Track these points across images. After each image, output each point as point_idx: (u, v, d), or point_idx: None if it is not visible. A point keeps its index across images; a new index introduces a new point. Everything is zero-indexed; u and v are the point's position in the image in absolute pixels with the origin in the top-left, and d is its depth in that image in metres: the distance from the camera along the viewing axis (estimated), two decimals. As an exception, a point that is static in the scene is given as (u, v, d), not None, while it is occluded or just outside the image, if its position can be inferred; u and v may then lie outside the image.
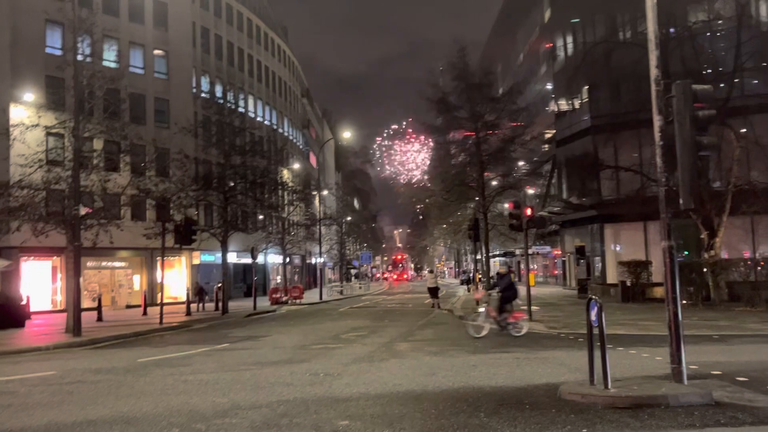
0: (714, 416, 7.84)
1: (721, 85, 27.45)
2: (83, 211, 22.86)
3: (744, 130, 28.66)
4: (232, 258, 45.74)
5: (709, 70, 29.13)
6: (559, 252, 53.01)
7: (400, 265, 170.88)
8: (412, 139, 77.02)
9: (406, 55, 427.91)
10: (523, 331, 17.87)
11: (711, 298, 26.63)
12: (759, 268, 26.25)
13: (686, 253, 32.37)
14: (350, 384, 10.76)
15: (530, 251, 25.04)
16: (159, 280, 34.08)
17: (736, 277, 26.79)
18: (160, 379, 12.09)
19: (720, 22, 30.94)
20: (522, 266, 49.39)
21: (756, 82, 30.77)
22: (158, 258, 32.42)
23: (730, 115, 25.81)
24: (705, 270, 27.32)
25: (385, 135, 77.02)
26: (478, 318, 18.42)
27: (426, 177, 66.70)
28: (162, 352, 16.67)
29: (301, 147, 76.23)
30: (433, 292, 33.38)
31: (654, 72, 9.89)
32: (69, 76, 24.41)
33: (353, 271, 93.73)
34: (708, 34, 31.59)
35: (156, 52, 45.31)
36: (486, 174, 43.43)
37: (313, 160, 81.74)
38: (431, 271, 39.34)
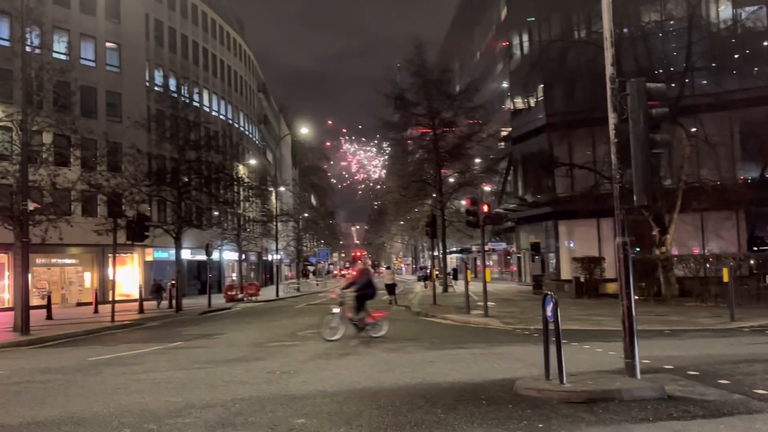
0: (667, 410, 7.96)
1: (672, 84, 27.99)
2: (32, 206, 22.30)
3: (694, 129, 29.30)
4: (186, 255, 45.07)
5: (661, 70, 29.69)
6: (514, 248, 53.59)
7: (359, 261, 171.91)
8: (364, 139, 77.23)
9: (361, 52, 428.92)
10: (382, 332, 16.80)
11: (662, 294, 27.21)
12: (708, 264, 26.88)
13: (638, 249, 33.02)
14: (306, 382, 10.65)
15: (486, 248, 25.20)
16: (111, 278, 33.38)
17: (687, 273, 27.39)
18: (112, 378, 11.81)
19: (672, 22, 31.59)
20: (479, 262, 49.79)
21: (705, 82, 31.45)
22: (110, 255, 31.79)
23: (681, 114, 26.36)
24: (656, 266, 27.91)
25: (344, 133, 77.17)
26: (333, 320, 16.90)
27: (383, 174, 66.97)
28: (113, 351, 16.31)
29: (257, 142, 75.52)
30: (391, 288, 33.40)
31: (609, 70, 9.99)
32: (17, 68, 23.65)
33: (310, 268, 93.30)
34: (660, 34, 32.22)
35: (108, 44, 44.38)
36: (443, 171, 43.74)
37: (269, 155, 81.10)
38: (388, 268, 39.39)
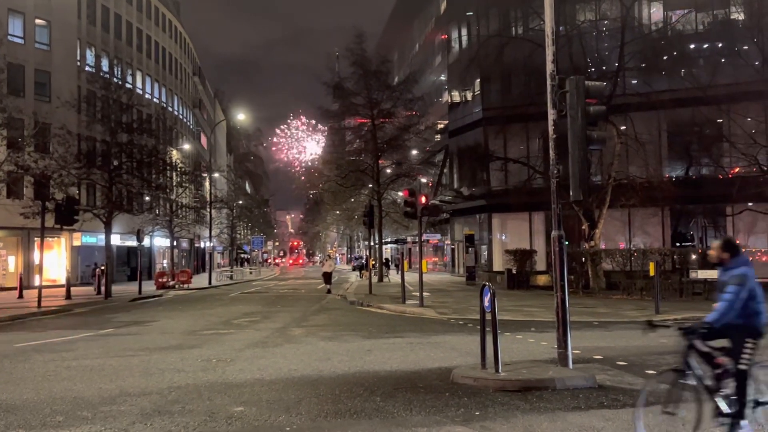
0: (597, 398, 8.26)
1: (605, 83, 28.78)
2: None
3: (624, 127, 30.19)
4: (116, 240, 43.83)
5: (594, 69, 30.47)
6: (449, 240, 54.22)
7: (296, 251, 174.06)
8: (302, 127, 76.98)
9: (290, 40, 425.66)
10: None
11: (590, 286, 28.04)
12: (633, 258, 27.82)
13: (567, 243, 33.81)
14: (244, 370, 10.59)
15: (422, 238, 25.43)
16: (37, 262, 32.23)
17: (614, 267, 28.31)
18: (41, 365, 11.47)
19: (606, 22, 32.42)
20: (414, 253, 50.14)
21: (636, 81, 32.43)
22: (36, 238, 30.68)
23: (612, 112, 27.12)
24: (585, 259, 28.75)
25: (284, 124, 76.80)
26: None
27: (316, 163, 66.82)
28: (42, 337, 15.80)
29: (191, 127, 74.02)
30: (327, 277, 33.42)
31: (550, 67, 10.23)
32: (-61, 42, 22.56)
33: (244, 256, 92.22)
34: (594, 33, 33.04)
35: (38, 21, 42.61)
36: (381, 161, 43.89)
37: (204, 141, 79.64)
38: (329, 257, 39.29)
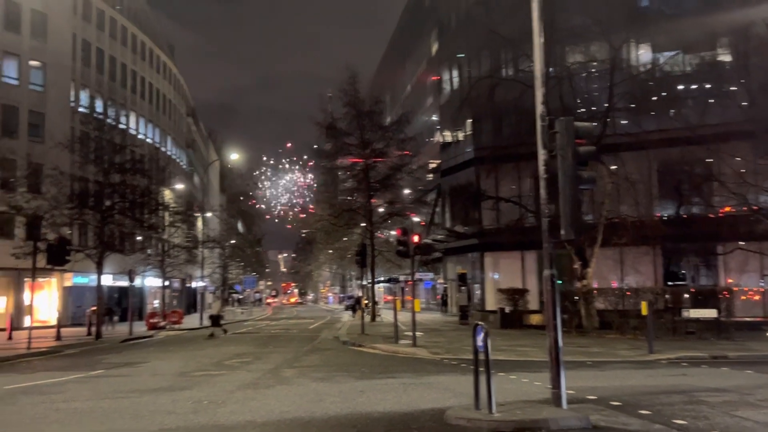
0: (592, 438, 8.22)
1: (595, 123, 29.09)
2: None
3: (615, 166, 30.43)
4: (108, 280, 43.63)
5: (584, 109, 30.82)
6: (441, 279, 54.12)
7: (289, 291, 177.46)
8: (295, 167, 77.54)
9: (260, 86, 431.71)
10: None
11: (583, 326, 27.95)
12: (625, 296, 27.81)
13: (560, 282, 33.75)
14: (235, 412, 10.48)
15: (416, 277, 25.45)
16: (27, 303, 31.95)
17: (607, 306, 28.25)
18: (30, 407, 11.32)
19: (595, 63, 32.85)
20: (408, 293, 50.07)
21: (626, 122, 32.77)
22: (27, 279, 30.45)
23: (603, 151, 27.34)
24: (577, 298, 28.71)
25: (270, 163, 77.34)
26: None
27: (308, 202, 67.07)
28: (30, 379, 15.63)
29: (184, 167, 74.24)
30: (215, 320, 33.30)
31: (540, 108, 10.37)
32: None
33: (236, 296, 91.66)
34: (584, 74, 33.47)
35: (32, 63, 43.02)
36: (373, 200, 44.01)
37: (197, 180, 79.79)
38: (218, 299, 39.00)
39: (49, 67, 43.85)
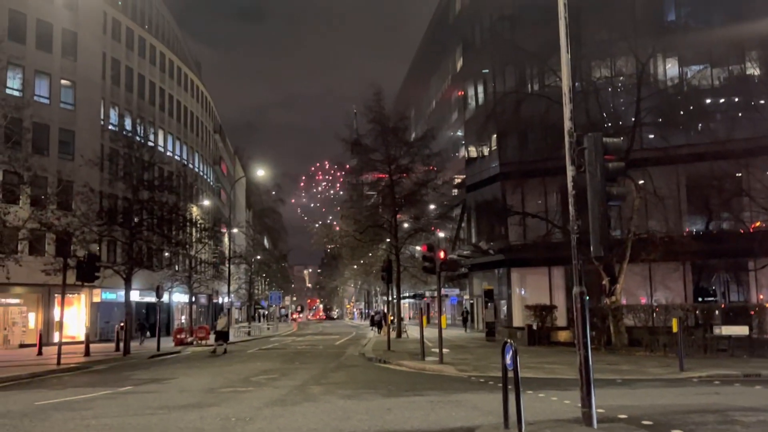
0: (624, 459, 8.08)
1: (622, 138, 28.87)
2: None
3: (642, 181, 30.15)
4: (135, 296, 44.06)
5: (611, 124, 30.62)
6: (467, 295, 53.89)
7: (315, 307, 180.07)
8: (321, 180, 77.94)
9: (284, 104, 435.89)
10: None
11: (612, 343, 27.61)
12: (655, 313, 27.46)
13: (587, 298, 33.39)
14: (263, 429, 10.49)
15: (441, 293, 25.35)
16: (57, 318, 32.35)
17: (636, 323, 27.89)
18: (61, 423, 11.43)
19: (621, 78, 32.69)
20: (433, 309, 49.86)
21: (653, 136, 32.52)
22: (56, 295, 30.85)
23: (631, 167, 27.09)
24: (606, 315, 28.37)
25: (303, 178, 78.01)
26: None
27: (334, 220, 67.32)
28: (61, 395, 15.78)
29: (211, 183, 75.02)
30: (223, 335, 33.27)
31: (568, 124, 10.32)
32: (-30, 104, 23.25)
33: (262, 312, 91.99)
34: (610, 89, 33.31)
35: (63, 81, 43.85)
36: (398, 216, 44.06)
37: (224, 197, 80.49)
38: (224, 314, 38.93)
39: (79, 85, 44.67)
